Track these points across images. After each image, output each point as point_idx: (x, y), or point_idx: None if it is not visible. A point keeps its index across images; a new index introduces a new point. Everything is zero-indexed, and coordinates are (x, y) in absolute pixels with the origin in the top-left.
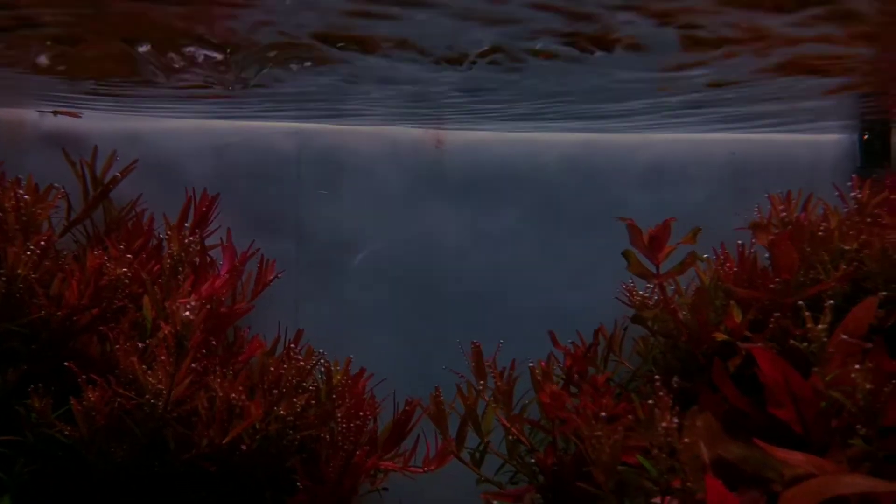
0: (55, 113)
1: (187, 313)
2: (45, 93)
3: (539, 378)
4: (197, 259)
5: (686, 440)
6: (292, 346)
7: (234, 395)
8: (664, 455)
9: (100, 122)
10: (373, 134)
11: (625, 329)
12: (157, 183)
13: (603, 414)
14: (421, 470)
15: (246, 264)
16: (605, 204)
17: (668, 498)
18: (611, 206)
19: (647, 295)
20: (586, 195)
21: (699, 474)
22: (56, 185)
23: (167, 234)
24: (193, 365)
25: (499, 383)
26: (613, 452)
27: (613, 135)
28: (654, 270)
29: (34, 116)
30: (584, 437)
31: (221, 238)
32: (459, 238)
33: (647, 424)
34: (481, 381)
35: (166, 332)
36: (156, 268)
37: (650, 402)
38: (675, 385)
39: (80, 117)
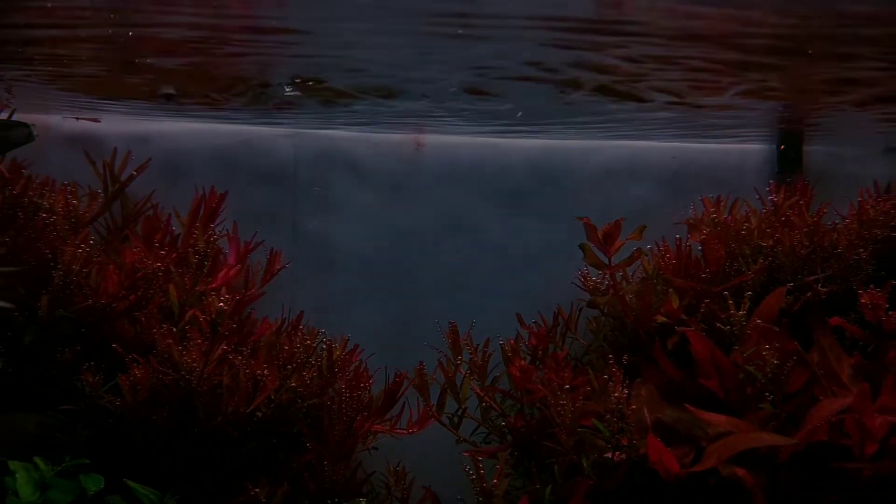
0: (77, 118)
1: (221, 304)
2: (69, 103)
3: (509, 354)
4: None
5: (633, 406)
6: (301, 327)
7: (259, 370)
8: (615, 419)
9: (113, 124)
10: (360, 139)
11: (580, 310)
12: (165, 181)
13: (567, 386)
14: (406, 432)
15: (250, 255)
16: (562, 200)
17: (617, 453)
18: (567, 202)
19: (598, 281)
20: (546, 193)
21: (642, 434)
22: (78, 183)
23: (183, 228)
24: (224, 346)
25: (474, 358)
26: (574, 417)
27: (570, 141)
28: (607, 262)
29: (57, 120)
30: (550, 405)
31: (227, 231)
32: (435, 229)
33: (602, 394)
34: (459, 357)
35: (201, 319)
36: (173, 257)
37: (605, 376)
38: (625, 361)
39: (99, 122)
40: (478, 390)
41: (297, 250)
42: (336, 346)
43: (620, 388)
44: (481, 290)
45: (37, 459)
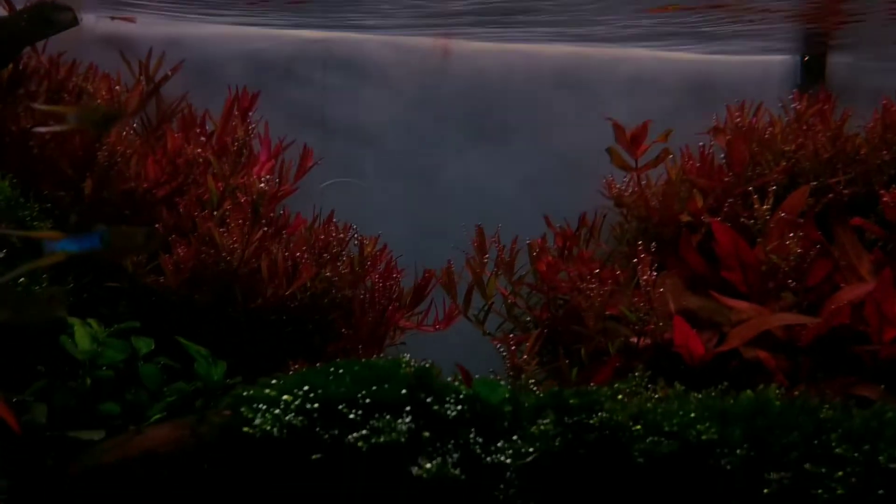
0: (112, 18)
1: (262, 185)
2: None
3: (536, 252)
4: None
5: (659, 291)
6: (334, 221)
7: (298, 253)
8: (642, 303)
9: (146, 27)
10: (388, 43)
11: (604, 216)
12: (197, 84)
13: (596, 270)
14: (433, 328)
15: (282, 154)
16: (589, 109)
17: (642, 339)
18: (594, 111)
19: (622, 188)
20: (574, 101)
21: (668, 319)
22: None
23: (217, 126)
24: (266, 229)
25: (501, 256)
26: (602, 302)
27: (598, 49)
28: (634, 164)
29: (91, 20)
30: (579, 291)
31: (259, 133)
32: (462, 137)
33: (627, 285)
34: (486, 256)
35: (242, 200)
36: (212, 148)
37: (633, 262)
38: (652, 250)
39: (134, 22)
40: (502, 290)
41: (326, 153)
42: (367, 243)
43: (649, 272)
44: (507, 197)
45: (90, 320)
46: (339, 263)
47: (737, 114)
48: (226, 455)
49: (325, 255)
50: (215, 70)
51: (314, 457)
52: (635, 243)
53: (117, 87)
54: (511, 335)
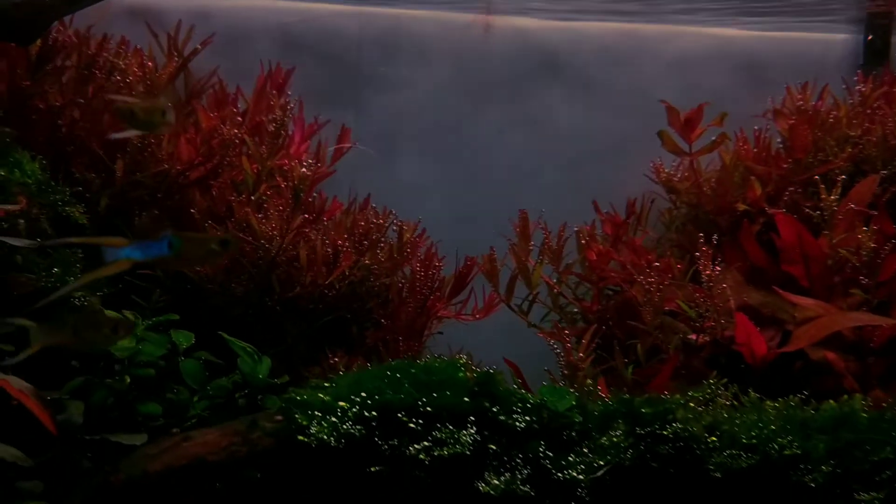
0: None
1: (304, 169)
2: None
3: (584, 240)
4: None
5: (723, 286)
6: (373, 206)
7: (339, 241)
8: (703, 299)
9: None
10: (427, 18)
11: (651, 202)
12: (227, 58)
13: (657, 263)
14: (472, 317)
15: (317, 134)
16: (637, 88)
17: (701, 336)
18: (642, 91)
19: (672, 172)
20: (619, 80)
21: (728, 317)
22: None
23: (250, 102)
24: (306, 215)
25: (548, 243)
26: (661, 297)
27: (646, 25)
28: (687, 148)
29: None
30: (635, 284)
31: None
32: (502, 117)
33: (683, 276)
34: (532, 243)
35: (283, 185)
36: (247, 126)
37: (696, 254)
38: (714, 242)
39: None
40: (546, 278)
41: (361, 133)
42: (406, 228)
43: (711, 267)
44: (550, 181)
45: (127, 313)
46: (377, 250)
47: (799, 96)
48: (280, 465)
49: (365, 241)
50: (245, 44)
51: (373, 469)
52: (685, 232)
53: (149, 64)
54: (564, 329)
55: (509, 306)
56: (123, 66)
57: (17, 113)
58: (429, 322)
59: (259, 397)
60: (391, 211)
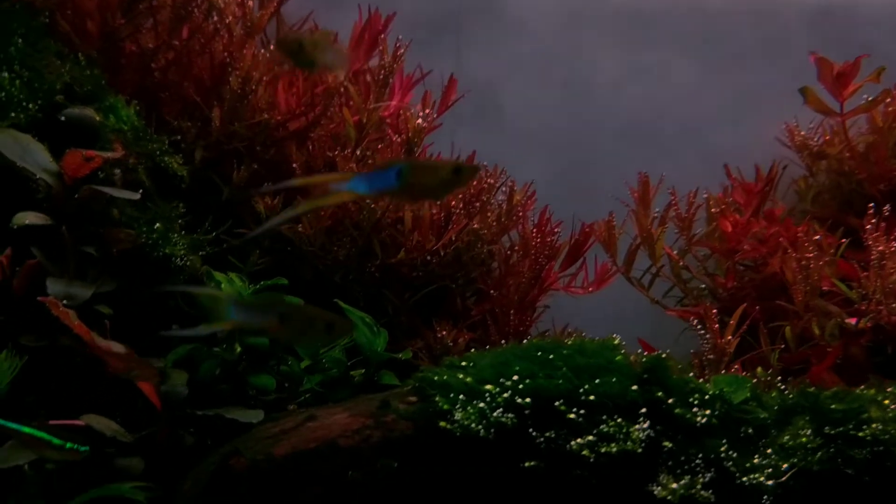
0: None
1: (419, 120)
2: None
3: (716, 209)
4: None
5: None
6: (485, 164)
7: (453, 202)
8: (868, 279)
9: None
10: None
11: (784, 168)
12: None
13: (817, 237)
14: (583, 291)
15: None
16: (766, 43)
17: (861, 320)
18: (772, 46)
19: (808, 135)
20: (746, 35)
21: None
22: None
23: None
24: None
25: (676, 210)
26: (817, 275)
27: None
28: (838, 108)
29: None
30: (785, 260)
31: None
32: (615, 71)
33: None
34: (657, 210)
35: (395, 139)
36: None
37: (868, 226)
38: (885, 213)
39: None
40: (668, 250)
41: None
42: (517, 190)
43: (885, 241)
44: (668, 143)
45: (232, 275)
46: (489, 214)
47: None
48: (418, 453)
49: (476, 203)
50: None
51: (527, 464)
52: (824, 203)
53: (249, 3)
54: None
55: (629, 280)
56: (222, 6)
57: (107, 55)
58: (544, 293)
59: (376, 373)
60: (503, 169)
